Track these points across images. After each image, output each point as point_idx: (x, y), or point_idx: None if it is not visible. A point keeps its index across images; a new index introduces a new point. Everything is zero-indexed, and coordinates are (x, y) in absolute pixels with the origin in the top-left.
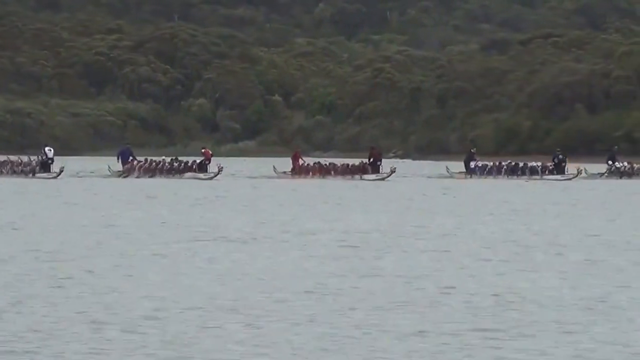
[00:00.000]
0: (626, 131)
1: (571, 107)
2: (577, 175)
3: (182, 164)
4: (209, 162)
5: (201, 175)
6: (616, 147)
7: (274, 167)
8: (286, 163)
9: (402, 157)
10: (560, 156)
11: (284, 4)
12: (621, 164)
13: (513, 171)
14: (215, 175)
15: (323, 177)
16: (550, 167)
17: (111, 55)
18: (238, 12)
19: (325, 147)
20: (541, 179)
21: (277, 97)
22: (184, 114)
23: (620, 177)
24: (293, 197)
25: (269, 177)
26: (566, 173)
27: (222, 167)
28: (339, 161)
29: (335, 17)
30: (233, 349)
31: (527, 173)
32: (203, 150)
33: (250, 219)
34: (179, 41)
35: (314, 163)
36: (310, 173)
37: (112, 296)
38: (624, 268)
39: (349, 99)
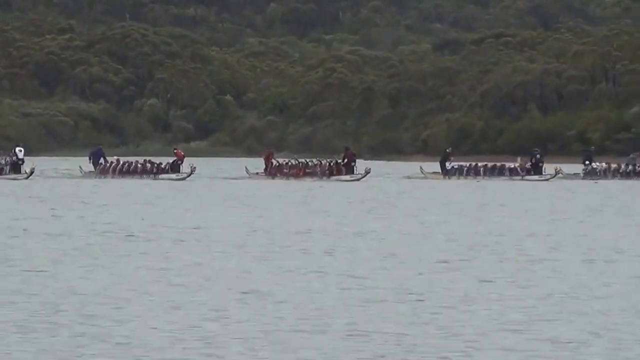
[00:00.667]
0: (579, 131)
1: (523, 107)
2: (555, 176)
3: (156, 165)
4: (182, 163)
5: (173, 175)
6: (593, 147)
7: (246, 167)
8: (238, 163)
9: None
10: (538, 156)
11: (236, 3)
12: (597, 165)
13: (492, 172)
14: (188, 176)
15: (297, 178)
16: (529, 167)
17: (63, 55)
18: (190, 12)
19: (278, 147)
20: (522, 179)
21: (229, 97)
22: (135, 114)
23: (593, 177)
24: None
25: (242, 178)
26: (544, 173)
27: (194, 168)
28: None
29: (287, 17)
30: None
31: (506, 174)
32: (175, 151)
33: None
34: (131, 41)
35: (286, 163)
36: (285, 173)
37: None
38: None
39: (301, 99)
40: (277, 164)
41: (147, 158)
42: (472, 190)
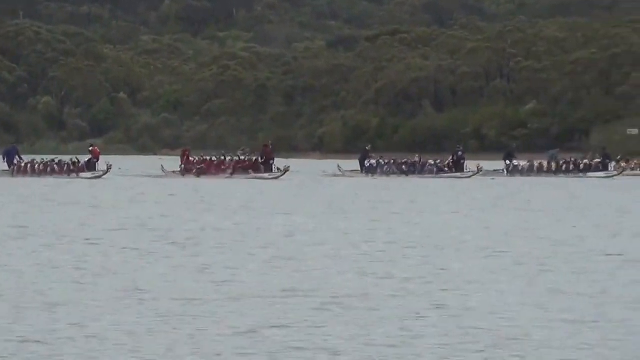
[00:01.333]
0: (474, 128)
1: (418, 103)
2: (477, 173)
3: (71, 163)
4: (98, 161)
5: (89, 174)
6: (515, 144)
7: (162, 166)
8: (134, 161)
9: (250, 154)
10: (460, 153)
11: (130, 1)
12: (519, 162)
13: (414, 169)
14: (104, 174)
15: (215, 175)
16: (450, 164)
17: None
18: (84, 10)
19: (173, 145)
20: (440, 177)
21: (123, 95)
22: (30, 112)
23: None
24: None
25: (158, 177)
26: (466, 170)
27: (111, 165)
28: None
29: (181, 14)
30: None
31: (426, 171)
32: (91, 149)
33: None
34: (25, 39)
35: (204, 160)
36: (202, 171)
37: None
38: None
39: (196, 97)
40: (194, 161)
41: (73, 156)
42: (390, 189)
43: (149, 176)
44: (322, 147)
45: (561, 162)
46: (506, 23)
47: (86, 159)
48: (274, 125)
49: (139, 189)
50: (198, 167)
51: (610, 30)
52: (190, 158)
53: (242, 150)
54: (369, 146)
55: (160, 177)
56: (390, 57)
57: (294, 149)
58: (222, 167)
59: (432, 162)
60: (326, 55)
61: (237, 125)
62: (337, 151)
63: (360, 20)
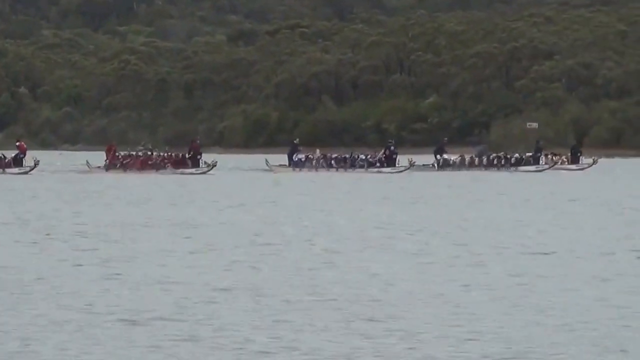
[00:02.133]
0: (375, 122)
1: (318, 97)
2: (409, 167)
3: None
4: (24, 156)
5: (16, 169)
6: (446, 138)
7: (87, 161)
8: (35, 156)
9: (151, 149)
10: (392, 147)
11: None
12: (449, 157)
13: (344, 163)
14: (31, 169)
15: (141, 171)
16: (382, 159)
17: None
18: None
19: (73, 140)
20: (378, 171)
21: (23, 90)
22: None
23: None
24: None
25: (83, 172)
26: (397, 165)
27: (38, 161)
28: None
29: (82, 9)
30: None
31: (357, 165)
32: (18, 144)
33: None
34: None
35: (130, 155)
36: (128, 167)
37: None
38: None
39: (96, 91)
40: (119, 157)
41: None
42: (316, 183)
43: (75, 171)
44: (222, 142)
45: (492, 157)
46: (407, 17)
47: (12, 155)
48: (175, 119)
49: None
50: (124, 162)
51: (510, 24)
52: (117, 153)
53: (143, 145)
54: (297, 140)
55: (85, 172)
56: (291, 51)
57: (188, 144)
58: (149, 162)
59: (364, 157)
60: (226, 49)
61: (138, 120)
62: (238, 145)
63: (261, 14)
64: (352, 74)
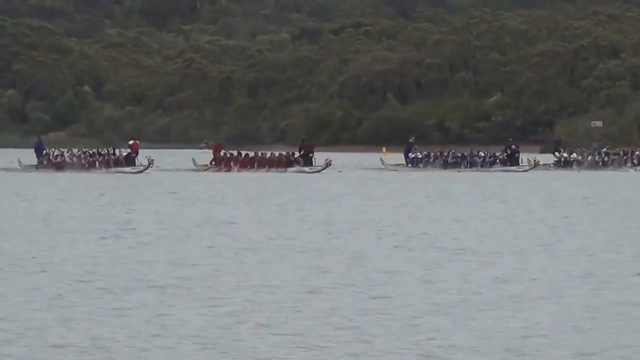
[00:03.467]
0: (438, 120)
1: (383, 96)
2: (534, 166)
3: (109, 157)
4: (137, 155)
5: (128, 168)
6: (412, 138)
7: (193, 159)
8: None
9: (210, 147)
10: (513, 146)
11: None
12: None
13: (460, 162)
14: (145, 169)
15: (251, 170)
16: (504, 158)
17: None
18: (48, 3)
19: (136, 138)
20: (504, 170)
21: (87, 89)
22: None
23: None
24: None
25: (192, 170)
26: (521, 164)
27: (152, 160)
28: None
29: (145, 8)
30: None
31: (477, 164)
32: (131, 143)
33: None
34: None
35: (237, 155)
36: (236, 165)
37: None
38: None
39: (160, 90)
40: (227, 155)
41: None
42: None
43: (188, 170)
44: (285, 140)
45: (612, 154)
46: (470, 15)
47: (125, 153)
48: (238, 118)
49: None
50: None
51: (574, 22)
52: (222, 152)
53: (206, 142)
54: (412, 138)
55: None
56: (355, 49)
57: (257, 142)
58: (256, 162)
59: (482, 155)
60: (290, 48)
61: (200, 118)
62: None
63: (324, 12)
64: (417, 72)
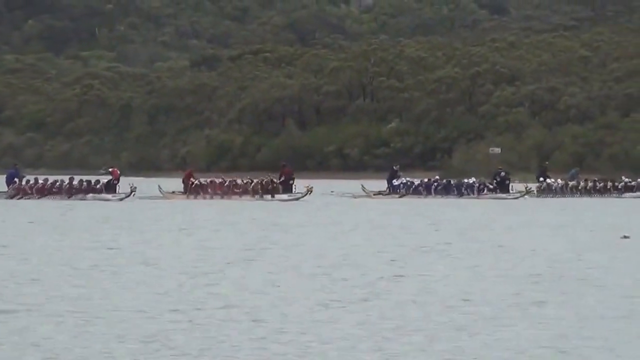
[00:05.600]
0: (338, 146)
1: (282, 122)
2: (526, 193)
3: (84, 184)
4: (118, 182)
5: (109, 196)
6: (397, 165)
7: (159, 187)
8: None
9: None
10: (503, 173)
11: None
12: (552, 181)
13: (446, 190)
14: (127, 196)
15: (223, 197)
16: (494, 185)
17: None
18: None
19: (36, 164)
20: (494, 197)
21: None
22: None
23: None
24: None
25: (156, 198)
26: (512, 191)
27: (135, 188)
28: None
29: (44, 34)
30: None
31: (464, 192)
32: (111, 170)
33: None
34: None
35: (210, 181)
36: (208, 192)
37: None
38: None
39: (59, 116)
40: (198, 183)
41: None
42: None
43: (154, 197)
44: (185, 167)
45: (594, 182)
46: (368, 42)
47: (105, 180)
48: (138, 144)
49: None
50: (204, 187)
51: (472, 49)
52: (191, 179)
53: (104, 169)
54: (397, 166)
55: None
56: (254, 76)
57: (157, 169)
58: (236, 189)
59: (471, 182)
60: (189, 74)
61: (100, 145)
62: (200, 170)
63: (223, 39)
64: (315, 99)
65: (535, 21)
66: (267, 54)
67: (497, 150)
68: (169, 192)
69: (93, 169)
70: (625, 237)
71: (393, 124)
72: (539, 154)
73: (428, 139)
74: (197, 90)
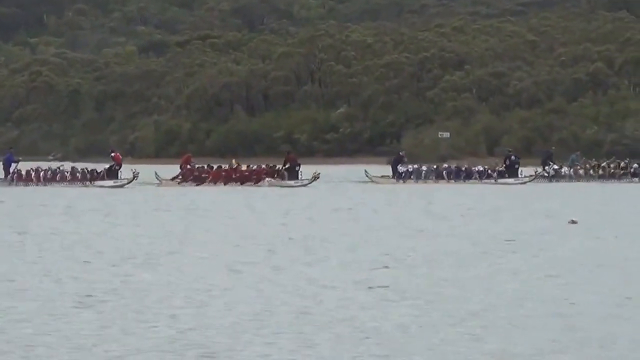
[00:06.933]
0: (286, 132)
1: (231, 108)
2: (535, 177)
3: (89, 171)
4: (120, 168)
5: (111, 182)
6: (403, 151)
7: (155, 173)
8: None
9: (61, 159)
10: (513, 157)
11: None
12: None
13: (454, 175)
14: (129, 182)
15: (225, 184)
16: (503, 170)
17: None
18: None
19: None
20: (504, 183)
21: None
22: None
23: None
24: None
25: (151, 184)
26: (520, 175)
27: (137, 173)
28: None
29: None
30: None
31: (473, 177)
32: (113, 155)
33: None
34: None
35: (208, 167)
36: (207, 178)
37: None
38: None
39: (7, 102)
40: (196, 168)
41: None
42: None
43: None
44: (134, 153)
45: (607, 165)
46: (316, 27)
47: (106, 166)
48: (86, 130)
49: None
50: (202, 175)
51: (419, 34)
52: (189, 165)
53: (53, 155)
54: (403, 151)
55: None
56: (202, 62)
57: (105, 154)
58: (234, 175)
59: (481, 168)
60: (137, 60)
61: (49, 131)
62: (149, 156)
63: (171, 25)
64: (263, 84)
65: (483, 6)
66: (215, 40)
67: (446, 134)
68: (166, 179)
69: (42, 155)
70: (572, 221)
71: (341, 109)
72: (487, 138)
73: (377, 124)
74: (145, 76)
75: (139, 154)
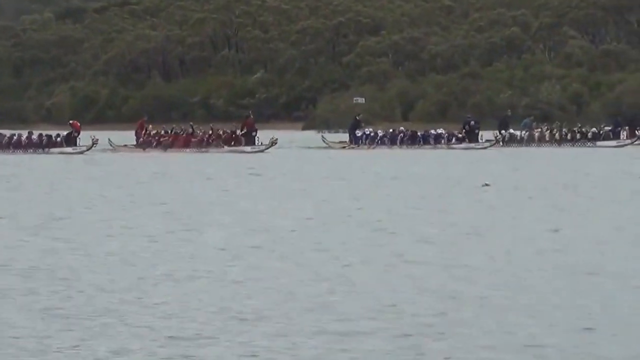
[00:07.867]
0: (203, 97)
1: (147, 74)
2: (495, 143)
3: (45, 138)
4: (79, 134)
5: (69, 149)
6: (360, 115)
7: (109, 140)
8: None
9: None
10: (472, 122)
11: None
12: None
13: (411, 140)
14: (88, 149)
15: (182, 149)
16: (463, 135)
17: None
18: None
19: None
20: (466, 147)
21: None
22: None
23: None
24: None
25: (107, 150)
26: (481, 140)
27: (97, 140)
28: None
29: None
30: None
31: (430, 142)
32: (71, 122)
33: None
34: None
35: (165, 132)
36: (162, 144)
37: None
38: None
39: None
40: (152, 133)
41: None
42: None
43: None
44: (50, 119)
45: (564, 131)
46: None
47: (65, 133)
48: (3, 97)
49: None
50: (161, 140)
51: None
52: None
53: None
54: (360, 115)
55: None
56: (120, 28)
57: (23, 121)
58: (193, 140)
59: (441, 133)
60: (54, 27)
61: None
62: (66, 122)
63: None
64: (180, 50)
65: None
66: (133, 6)
67: (361, 100)
68: (120, 145)
69: None
70: (486, 184)
71: (258, 75)
72: (402, 103)
73: (292, 89)
74: (62, 43)
75: (55, 119)
